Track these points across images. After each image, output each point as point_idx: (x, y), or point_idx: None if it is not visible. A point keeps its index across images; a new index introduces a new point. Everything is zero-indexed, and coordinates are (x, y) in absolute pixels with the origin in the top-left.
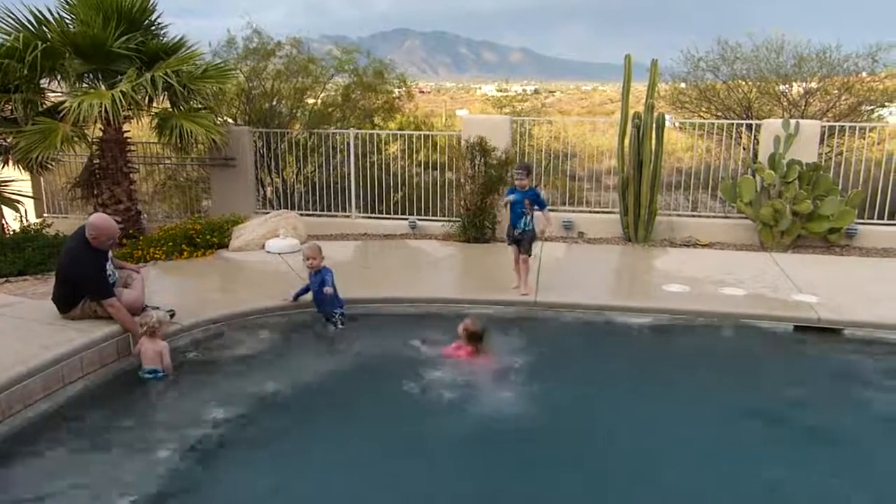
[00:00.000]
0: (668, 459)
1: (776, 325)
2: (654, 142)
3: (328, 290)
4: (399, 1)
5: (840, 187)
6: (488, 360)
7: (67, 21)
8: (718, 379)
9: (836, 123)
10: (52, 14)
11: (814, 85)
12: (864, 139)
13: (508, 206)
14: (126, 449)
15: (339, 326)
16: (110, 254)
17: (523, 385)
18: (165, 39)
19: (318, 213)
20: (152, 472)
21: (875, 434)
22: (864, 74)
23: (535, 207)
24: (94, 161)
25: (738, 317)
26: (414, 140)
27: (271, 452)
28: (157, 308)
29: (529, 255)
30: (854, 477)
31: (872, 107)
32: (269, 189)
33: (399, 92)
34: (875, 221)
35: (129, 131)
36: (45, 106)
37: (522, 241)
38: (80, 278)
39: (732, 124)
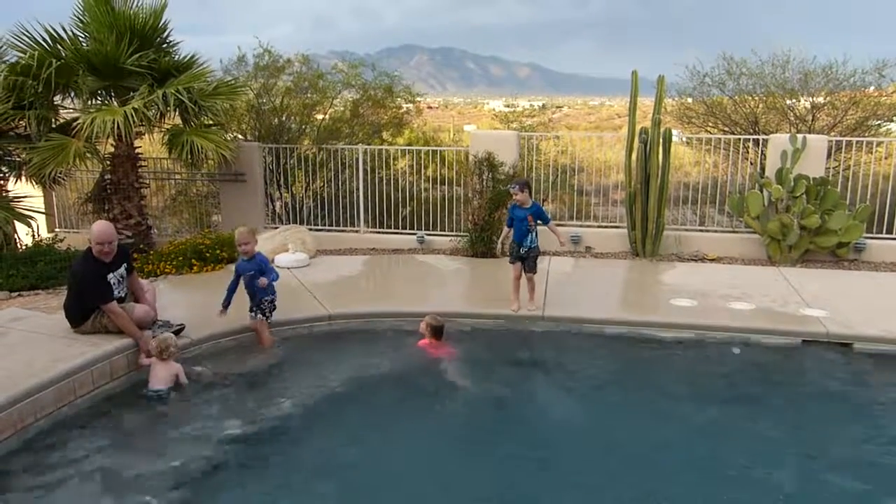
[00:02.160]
0: (674, 473)
1: (785, 340)
2: (661, 156)
3: (263, 281)
4: (406, 17)
5: (848, 202)
6: (451, 350)
7: (81, 39)
8: (725, 392)
9: (844, 138)
10: (66, 32)
11: (821, 100)
12: (871, 154)
13: (512, 223)
14: (135, 462)
15: (268, 315)
16: (122, 270)
17: (529, 396)
18: (177, 57)
19: (326, 227)
20: (161, 485)
21: (887, 450)
22: (871, 89)
23: (539, 222)
24: (106, 176)
25: (747, 331)
26: (422, 155)
27: (281, 466)
28: (167, 321)
29: (535, 272)
30: (863, 489)
31: (880, 121)
32: (278, 204)
33: (407, 107)
34: (884, 236)
35: (140, 147)
36: (58, 122)
37: (528, 259)
38: (80, 284)
39: (739, 139)
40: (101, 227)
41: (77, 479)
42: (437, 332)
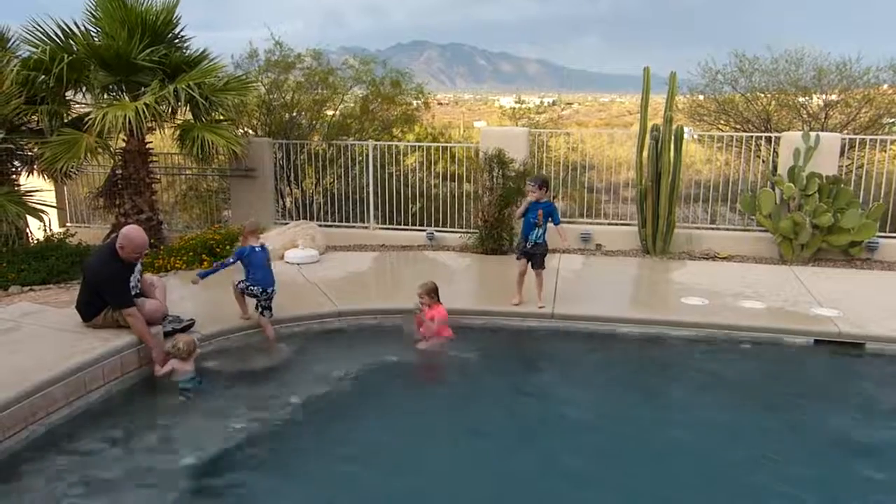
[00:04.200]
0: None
1: (796, 339)
2: (672, 154)
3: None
4: (416, 14)
5: (861, 200)
6: (441, 311)
7: (93, 34)
8: (735, 392)
9: (857, 136)
10: (78, 27)
11: (834, 97)
12: (885, 152)
13: (522, 217)
14: (147, 456)
15: (260, 307)
16: (138, 266)
17: (535, 393)
18: (188, 52)
19: (336, 223)
20: (173, 478)
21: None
22: (885, 87)
23: (550, 220)
24: (117, 171)
25: (758, 330)
26: (432, 151)
27: (288, 459)
28: (177, 317)
29: (543, 269)
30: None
31: (893, 119)
32: (288, 200)
33: (417, 103)
34: None
35: (151, 142)
36: (70, 117)
37: (535, 255)
38: (101, 284)
39: (751, 137)
40: (141, 236)
41: (88, 474)
42: (434, 292)
